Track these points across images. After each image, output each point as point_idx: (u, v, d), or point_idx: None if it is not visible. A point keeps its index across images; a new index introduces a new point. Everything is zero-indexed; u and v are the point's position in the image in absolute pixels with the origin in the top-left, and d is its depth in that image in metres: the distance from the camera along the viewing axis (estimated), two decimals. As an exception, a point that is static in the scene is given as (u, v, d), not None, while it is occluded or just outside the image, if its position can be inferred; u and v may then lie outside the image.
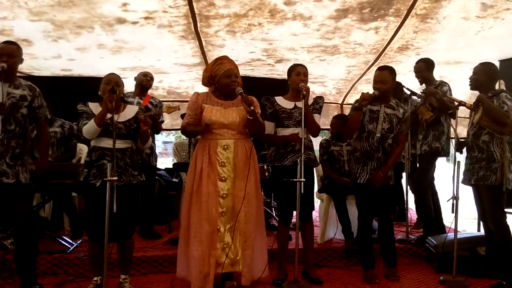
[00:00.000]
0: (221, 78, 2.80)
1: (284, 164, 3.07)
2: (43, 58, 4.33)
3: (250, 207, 2.81)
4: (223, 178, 2.79)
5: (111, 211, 2.54)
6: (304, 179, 2.84)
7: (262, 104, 3.12)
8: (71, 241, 3.67)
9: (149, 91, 5.56)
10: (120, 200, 2.62)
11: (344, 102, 6.28)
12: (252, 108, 2.64)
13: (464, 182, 3.13)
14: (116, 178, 2.57)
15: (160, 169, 5.47)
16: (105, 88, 2.72)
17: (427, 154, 3.74)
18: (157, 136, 4.65)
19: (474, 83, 3.06)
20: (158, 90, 5.74)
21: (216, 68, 2.81)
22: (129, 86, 4.18)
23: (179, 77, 5.32)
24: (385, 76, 3.08)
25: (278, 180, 3.10)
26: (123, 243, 2.88)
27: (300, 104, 2.94)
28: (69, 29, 3.67)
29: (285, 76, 3.19)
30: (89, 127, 2.67)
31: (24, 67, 4.60)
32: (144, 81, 4.02)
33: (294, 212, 3.07)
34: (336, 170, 4.04)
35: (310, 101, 3.14)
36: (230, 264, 2.78)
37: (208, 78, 2.88)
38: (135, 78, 4.11)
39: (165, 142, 22.26)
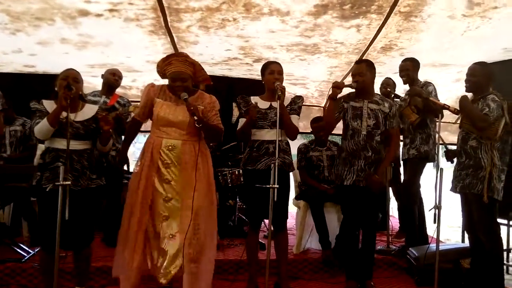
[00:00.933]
0: (169, 79, 2.62)
1: (257, 167, 2.88)
2: (2, 53, 4.05)
3: (199, 217, 2.57)
4: (167, 180, 2.58)
5: (63, 218, 2.33)
6: (277, 186, 2.64)
7: (237, 103, 2.98)
8: (28, 249, 3.43)
9: (123, 91, 5.33)
10: (77, 206, 2.47)
11: (327, 105, 6.07)
12: (195, 118, 2.43)
13: (452, 189, 2.98)
14: (69, 182, 2.38)
15: (130, 173, 5.28)
16: (61, 84, 2.54)
17: (416, 159, 3.54)
18: (136, 138, 4.40)
19: (473, 85, 2.86)
20: (132, 90, 5.46)
21: (164, 68, 2.61)
22: (99, 84, 3.93)
23: (153, 76, 4.97)
24: (362, 69, 2.92)
25: (250, 185, 2.90)
26: (80, 253, 2.67)
27: (276, 104, 2.74)
28: (27, 21, 3.40)
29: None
30: (41, 126, 2.46)
31: (-17, 63, 4.32)
32: (111, 80, 3.80)
33: (266, 220, 2.86)
34: (315, 177, 3.82)
35: (287, 101, 2.96)
36: (163, 275, 2.57)
37: (159, 74, 2.69)
38: (102, 76, 3.88)
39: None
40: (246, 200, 3.95)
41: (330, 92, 2.88)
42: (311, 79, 5.16)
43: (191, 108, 2.46)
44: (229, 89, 5.07)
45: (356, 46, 3.94)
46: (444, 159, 3.15)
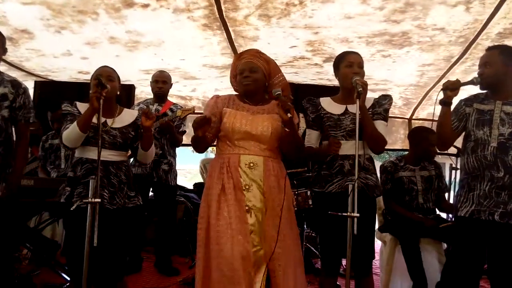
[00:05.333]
0: (238, 75, 2.16)
1: (327, 190, 2.18)
2: (52, 56, 3.81)
3: (288, 253, 2.04)
4: (248, 208, 2.04)
5: (91, 244, 1.95)
6: (358, 214, 1.94)
7: (304, 107, 2.34)
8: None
9: (183, 102, 4.94)
10: (111, 229, 2.13)
11: (413, 117, 5.10)
12: (289, 115, 1.92)
13: None
14: (99, 200, 1.98)
15: (189, 190, 4.97)
16: (94, 84, 2.17)
17: None
18: (197, 154, 3.99)
19: None
20: (192, 101, 5.05)
21: (237, 64, 2.19)
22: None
23: (213, 84, 4.55)
24: (491, 57, 2.10)
25: (320, 212, 2.23)
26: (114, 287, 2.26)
27: (354, 108, 2.03)
28: (70, 16, 3.07)
29: (337, 82, 2.30)
30: (70, 131, 2.11)
31: (37, 69, 4.16)
32: (155, 89, 3.51)
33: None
34: (406, 204, 2.93)
35: (369, 103, 2.21)
36: None
37: (234, 78, 2.24)
38: (150, 84, 3.58)
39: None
40: (318, 233, 3.24)
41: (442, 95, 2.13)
42: (394, 83, 4.28)
43: (288, 103, 1.94)
44: (295, 97, 4.44)
45: (461, 32, 3.02)
46: None
